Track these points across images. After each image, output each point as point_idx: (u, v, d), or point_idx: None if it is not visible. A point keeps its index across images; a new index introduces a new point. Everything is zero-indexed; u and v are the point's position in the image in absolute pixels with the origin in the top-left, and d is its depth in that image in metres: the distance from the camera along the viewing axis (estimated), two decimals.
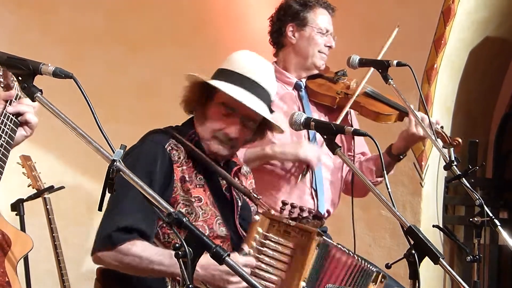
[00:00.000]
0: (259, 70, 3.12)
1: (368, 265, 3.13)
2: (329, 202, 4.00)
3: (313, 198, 3.92)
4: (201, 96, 3.11)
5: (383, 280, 3.19)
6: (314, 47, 3.97)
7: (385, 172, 3.08)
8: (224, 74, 3.10)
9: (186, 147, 3.06)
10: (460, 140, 3.91)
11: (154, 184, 2.92)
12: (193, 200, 3.01)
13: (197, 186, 3.05)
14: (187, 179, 3.03)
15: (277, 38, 4.04)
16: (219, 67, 3.18)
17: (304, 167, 3.83)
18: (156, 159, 2.99)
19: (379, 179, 4.01)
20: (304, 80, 4.05)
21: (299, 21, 3.96)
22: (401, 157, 4.00)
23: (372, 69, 3.99)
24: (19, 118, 2.43)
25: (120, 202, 2.84)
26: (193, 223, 2.92)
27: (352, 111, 4.11)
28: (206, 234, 2.96)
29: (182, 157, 3.04)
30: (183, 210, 2.97)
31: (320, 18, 3.97)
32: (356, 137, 4.10)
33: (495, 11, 5.90)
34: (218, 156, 3.13)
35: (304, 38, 3.97)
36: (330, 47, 4.00)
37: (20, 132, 2.46)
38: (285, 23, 3.99)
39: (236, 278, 2.81)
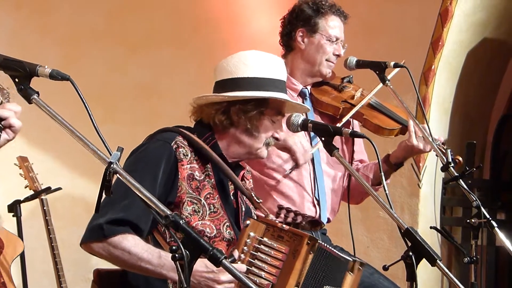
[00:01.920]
0: (281, 69, 3.19)
1: (342, 255, 3.11)
2: (330, 211, 3.99)
3: (315, 206, 3.91)
4: (256, 114, 3.10)
5: (360, 268, 3.18)
6: (323, 55, 3.93)
7: (382, 173, 3.08)
8: (268, 84, 3.11)
9: (196, 145, 3.06)
10: (460, 158, 3.92)
11: (158, 185, 2.93)
12: (203, 197, 3.02)
13: (208, 186, 3.06)
14: (196, 176, 3.03)
15: (287, 41, 4.01)
16: (241, 75, 3.11)
17: (293, 163, 3.81)
18: (161, 159, 2.98)
19: (376, 187, 4.00)
20: (309, 87, 4.04)
21: (309, 27, 3.92)
22: (399, 166, 4.00)
23: (381, 84, 3.97)
24: (2, 123, 2.42)
25: (116, 196, 2.82)
26: (200, 221, 2.96)
27: (356, 121, 4.10)
28: (213, 234, 3.00)
29: (189, 155, 3.03)
30: (189, 208, 2.98)
31: (331, 26, 3.93)
32: (356, 145, 4.10)
33: (493, 12, 5.90)
34: (256, 159, 3.24)
35: (313, 45, 3.94)
36: (338, 55, 3.98)
37: (3, 136, 2.44)
38: (295, 27, 3.96)
39: (221, 286, 2.81)
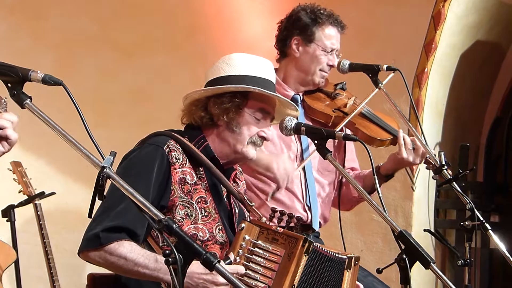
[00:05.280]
0: (266, 69, 3.21)
1: (337, 255, 3.11)
2: (321, 217, 4.00)
3: (306, 212, 3.91)
4: (232, 107, 3.11)
5: (356, 263, 3.18)
6: (316, 65, 3.92)
7: (375, 177, 3.08)
8: (247, 80, 3.12)
9: (188, 149, 3.07)
10: (450, 172, 3.93)
11: (151, 189, 2.94)
12: (195, 201, 3.02)
13: (201, 189, 3.07)
14: (188, 180, 3.03)
15: (282, 47, 3.99)
16: (223, 74, 3.15)
17: (275, 186, 3.80)
18: (154, 163, 2.98)
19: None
20: (301, 94, 4.02)
21: (305, 36, 3.90)
22: (389, 178, 4.00)
23: (375, 91, 3.97)
24: None
25: (111, 203, 2.85)
26: (192, 225, 2.96)
27: (348, 130, 4.09)
28: (206, 237, 3.01)
29: (181, 158, 3.04)
30: (182, 212, 2.98)
31: (327, 37, 3.90)
32: (347, 153, 4.10)
33: (485, 15, 5.92)
34: (244, 160, 3.21)
35: (307, 54, 3.91)
36: (332, 66, 3.96)
37: None
38: (291, 35, 3.93)
39: None
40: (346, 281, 3.12)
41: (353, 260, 3.16)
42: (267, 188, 3.85)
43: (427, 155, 3.86)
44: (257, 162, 3.69)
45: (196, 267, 2.79)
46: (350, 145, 4.13)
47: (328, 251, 3.03)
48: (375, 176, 3.10)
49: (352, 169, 4.16)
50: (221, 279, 2.82)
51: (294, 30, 3.94)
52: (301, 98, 4.01)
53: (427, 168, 3.90)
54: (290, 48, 3.95)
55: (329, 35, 3.92)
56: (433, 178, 3.84)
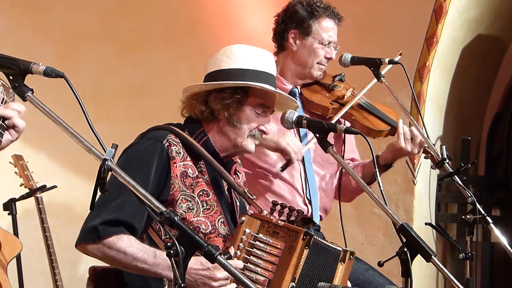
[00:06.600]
0: (267, 62, 3.20)
1: (333, 247, 3.12)
2: (322, 210, 3.99)
3: (306, 205, 3.91)
4: (233, 102, 3.10)
5: (351, 257, 3.19)
6: (314, 58, 3.91)
7: (376, 169, 3.09)
8: (248, 74, 3.12)
9: (188, 143, 3.07)
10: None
11: (150, 183, 2.94)
12: (197, 195, 3.03)
13: (202, 182, 3.07)
14: (190, 174, 3.04)
15: (279, 40, 3.98)
16: (224, 67, 3.14)
17: (285, 161, 3.78)
18: (153, 157, 2.99)
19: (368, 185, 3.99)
20: (299, 87, 4.02)
21: (302, 29, 3.89)
22: (388, 167, 3.99)
23: (373, 82, 3.96)
24: (5, 122, 2.41)
25: (110, 196, 2.82)
26: (195, 218, 2.97)
27: (346, 121, 4.08)
28: (208, 230, 3.01)
29: (182, 152, 3.04)
30: (184, 206, 2.99)
31: (324, 29, 3.89)
32: (347, 144, 4.09)
33: (487, 9, 5.91)
34: (243, 153, 3.24)
35: (305, 48, 3.91)
36: (330, 58, 3.95)
37: (6, 136, 2.43)
38: (288, 28, 3.92)
39: (217, 283, 2.82)
40: (338, 274, 3.13)
41: (348, 254, 3.17)
42: (265, 182, 3.85)
43: (426, 145, 3.86)
44: (265, 140, 3.69)
45: (193, 262, 2.79)
46: (349, 136, 4.12)
47: (324, 242, 3.05)
48: (376, 169, 3.10)
49: (352, 159, 4.16)
50: (219, 274, 2.82)
51: (291, 24, 3.93)
52: (299, 91, 4.01)
53: (425, 157, 3.90)
54: (287, 41, 3.94)
55: (326, 28, 3.91)
56: (431, 168, 3.84)
